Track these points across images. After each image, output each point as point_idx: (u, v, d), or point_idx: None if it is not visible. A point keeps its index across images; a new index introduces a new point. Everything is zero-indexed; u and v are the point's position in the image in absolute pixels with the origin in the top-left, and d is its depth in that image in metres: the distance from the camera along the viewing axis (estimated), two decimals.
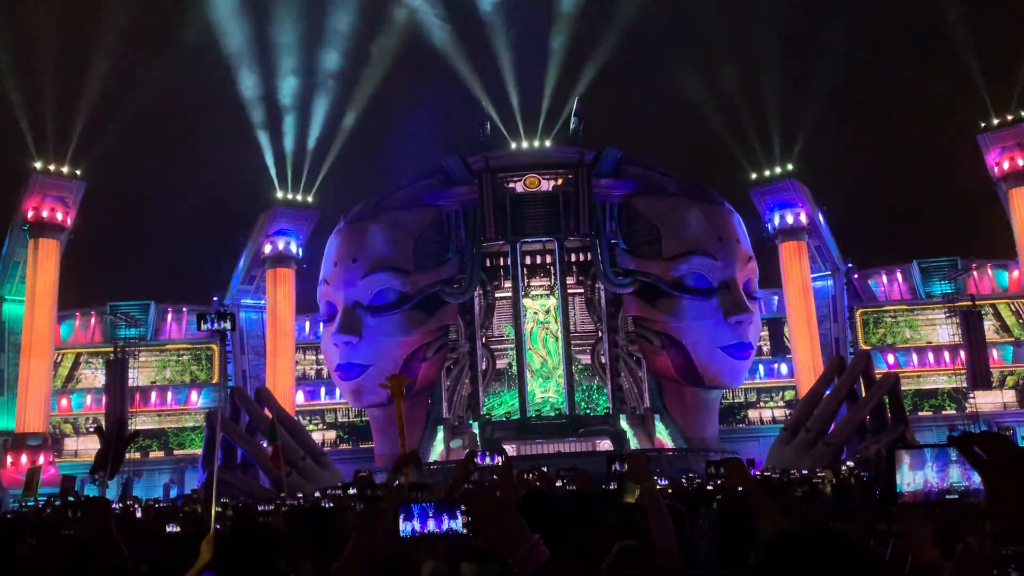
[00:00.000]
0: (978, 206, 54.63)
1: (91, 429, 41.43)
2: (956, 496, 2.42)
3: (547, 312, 48.03)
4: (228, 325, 15.47)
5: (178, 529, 9.40)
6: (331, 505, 12.57)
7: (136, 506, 22.86)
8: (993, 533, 2.19)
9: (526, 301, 48.13)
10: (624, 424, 45.17)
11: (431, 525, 3.07)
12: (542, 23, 54.53)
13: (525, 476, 10.01)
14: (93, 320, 54.87)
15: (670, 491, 13.46)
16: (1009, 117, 50.40)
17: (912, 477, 2.44)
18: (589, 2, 53.88)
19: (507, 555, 2.83)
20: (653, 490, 4.67)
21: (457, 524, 3.06)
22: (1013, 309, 54.26)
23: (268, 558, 3.91)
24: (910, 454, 2.47)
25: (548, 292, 48.34)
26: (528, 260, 48.53)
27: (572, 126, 50.63)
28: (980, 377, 49.02)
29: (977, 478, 2.27)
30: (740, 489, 6.51)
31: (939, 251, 55.49)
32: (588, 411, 46.99)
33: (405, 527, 3.06)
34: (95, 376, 54.11)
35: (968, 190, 55.91)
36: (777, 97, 54.77)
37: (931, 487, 2.44)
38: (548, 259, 48.43)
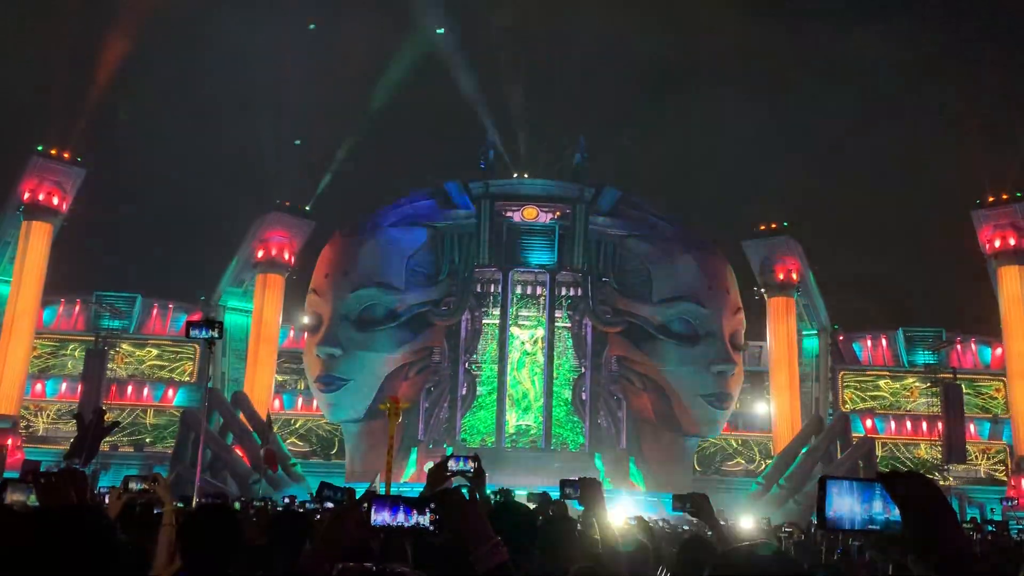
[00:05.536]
0: (969, 280, 55.06)
1: (71, 416, 41.09)
2: (877, 527, 2.63)
3: (535, 343, 48.03)
4: (215, 333, 15.47)
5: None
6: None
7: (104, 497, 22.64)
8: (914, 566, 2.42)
9: (515, 330, 48.17)
10: (599, 463, 45.07)
11: (400, 518, 3.28)
12: (555, 56, 55.20)
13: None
14: (78, 308, 54.56)
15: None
16: (1004, 196, 50.65)
17: (839, 503, 2.67)
18: (602, 43, 54.60)
19: (469, 551, 3.08)
20: (602, 516, 4.83)
21: (425, 520, 3.26)
22: (994, 386, 54.58)
23: (232, 536, 4.02)
24: (838, 485, 2.69)
25: (536, 323, 48.38)
26: (519, 290, 48.63)
27: (575, 161, 51.00)
28: (956, 450, 49.16)
29: (897, 512, 2.53)
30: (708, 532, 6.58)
31: (926, 321, 55.83)
32: (565, 447, 46.90)
33: (377, 518, 3.27)
34: (73, 364, 53.73)
35: (960, 264, 56.38)
36: (781, 153, 55.48)
37: (855, 515, 2.65)
38: (539, 291, 48.53)
